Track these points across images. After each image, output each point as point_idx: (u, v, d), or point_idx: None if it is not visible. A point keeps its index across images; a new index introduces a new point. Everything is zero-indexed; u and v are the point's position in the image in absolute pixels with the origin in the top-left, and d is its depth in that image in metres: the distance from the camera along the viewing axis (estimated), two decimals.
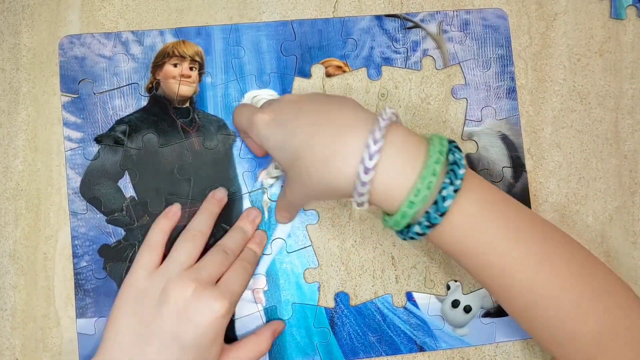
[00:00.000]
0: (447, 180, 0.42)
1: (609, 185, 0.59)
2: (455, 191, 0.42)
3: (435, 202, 0.43)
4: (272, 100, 0.52)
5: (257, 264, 0.56)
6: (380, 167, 0.42)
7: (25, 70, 0.58)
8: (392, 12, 0.60)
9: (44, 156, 0.57)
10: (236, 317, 0.56)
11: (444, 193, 0.42)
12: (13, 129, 0.58)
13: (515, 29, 0.61)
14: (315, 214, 0.58)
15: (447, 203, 0.42)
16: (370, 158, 0.42)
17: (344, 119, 0.44)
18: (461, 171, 0.43)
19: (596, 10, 0.61)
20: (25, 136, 0.58)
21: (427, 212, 0.43)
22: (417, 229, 0.44)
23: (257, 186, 0.58)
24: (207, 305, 0.47)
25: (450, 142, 0.45)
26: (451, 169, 0.43)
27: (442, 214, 0.43)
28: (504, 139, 0.59)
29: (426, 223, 0.43)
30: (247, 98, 0.59)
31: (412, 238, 0.45)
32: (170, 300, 0.47)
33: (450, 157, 0.43)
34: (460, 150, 0.45)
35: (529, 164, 0.59)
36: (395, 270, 0.57)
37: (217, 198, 0.56)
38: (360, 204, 0.44)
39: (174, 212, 0.55)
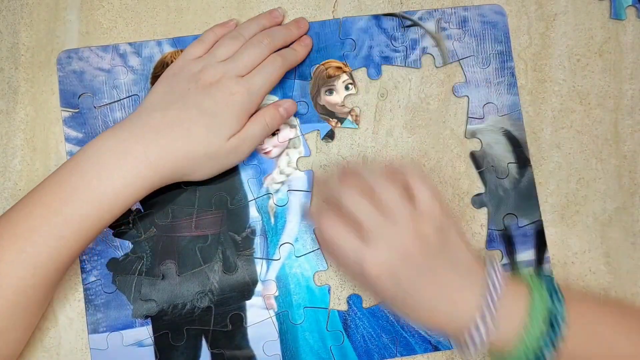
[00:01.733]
0: (548, 338, 0.46)
1: (609, 186, 0.59)
2: (556, 346, 0.46)
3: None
4: (367, 208, 0.48)
5: (294, 63, 0.58)
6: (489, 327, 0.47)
7: (24, 69, 0.58)
8: (392, 11, 0.60)
9: (43, 156, 0.57)
10: (248, 324, 0.56)
11: (546, 353, 0.46)
12: (11, 128, 0.57)
13: (515, 29, 0.61)
14: None
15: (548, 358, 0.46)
16: (485, 333, 0.46)
17: (457, 285, 0.48)
18: (561, 326, 0.46)
19: (596, 11, 0.61)
20: (24, 136, 0.57)
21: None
22: None
23: (263, 192, 0.58)
24: (227, 87, 0.53)
25: (548, 281, 0.49)
26: (551, 323, 0.46)
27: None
28: (508, 134, 0.59)
29: None
30: None
31: None
32: (199, 80, 0.54)
33: (550, 306, 0.47)
34: (558, 294, 0.48)
35: None
36: None
37: (273, 15, 0.59)
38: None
39: (230, 24, 0.59)
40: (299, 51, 0.58)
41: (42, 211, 0.49)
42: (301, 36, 0.59)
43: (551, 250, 0.58)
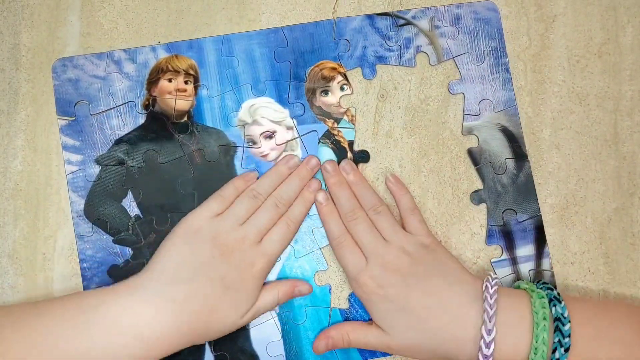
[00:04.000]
0: (556, 340, 0.48)
1: (608, 187, 0.59)
2: (567, 350, 0.48)
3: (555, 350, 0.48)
4: (367, 235, 0.55)
5: (305, 213, 0.58)
6: (494, 348, 0.48)
7: (25, 70, 0.58)
8: (392, 11, 0.60)
9: (43, 156, 0.57)
10: (251, 326, 0.57)
11: (557, 355, 0.48)
12: (12, 129, 0.57)
13: (514, 30, 0.61)
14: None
15: None
16: (488, 347, 0.48)
17: (455, 302, 0.51)
18: (566, 327, 0.48)
19: (595, 12, 0.61)
20: (25, 136, 0.57)
21: None
22: None
23: None
24: (249, 259, 0.53)
25: (548, 288, 0.51)
26: (557, 325, 0.48)
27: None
28: (504, 130, 0.59)
29: None
30: (244, 107, 0.59)
31: None
32: (221, 245, 0.53)
33: (553, 311, 0.49)
34: (558, 298, 0.50)
35: None
36: None
37: (290, 165, 0.58)
38: None
39: (251, 176, 0.58)
40: (309, 200, 0.58)
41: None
42: (314, 174, 0.59)
43: (551, 251, 0.59)
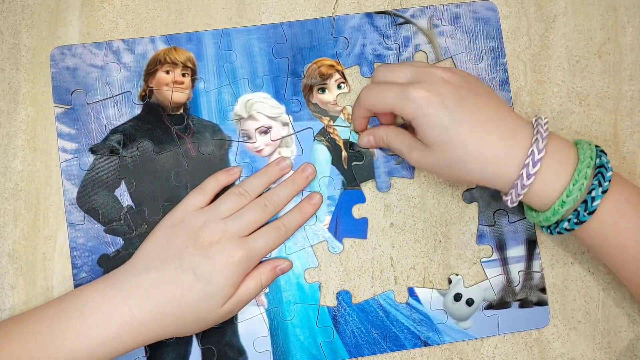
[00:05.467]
0: (596, 182, 0.48)
1: None
2: (604, 192, 0.48)
3: (585, 202, 0.48)
4: (405, 67, 0.54)
5: (300, 225, 0.57)
6: (539, 172, 0.48)
7: (25, 70, 0.58)
8: (391, 9, 0.60)
9: (43, 156, 0.58)
10: (239, 320, 0.56)
11: (593, 194, 0.48)
12: (12, 129, 0.58)
13: (514, 30, 0.61)
14: (313, 216, 0.58)
15: (595, 203, 0.48)
16: (534, 166, 0.48)
17: (508, 124, 0.50)
18: (608, 174, 0.48)
19: (595, 12, 0.61)
20: (25, 136, 0.58)
21: (576, 211, 0.49)
22: (566, 225, 0.50)
23: None
24: (227, 250, 0.52)
25: (596, 146, 0.51)
26: (599, 171, 0.48)
27: (590, 213, 0.48)
28: None
29: (575, 220, 0.49)
30: (240, 102, 0.59)
31: (559, 233, 0.51)
32: (199, 238, 0.52)
33: (598, 161, 0.49)
34: (605, 154, 0.50)
35: None
36: (394, 271, 0.57)
37: (281, 167, 0.58)
38: (513, 202, 0.50)
39: (235, 171, 0.57)
40: (307, 213, 0.57)
41: (17, 347, 0.48)
42: (309, 183, 0.58)
43: (550, 251, 0.58)
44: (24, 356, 0.48)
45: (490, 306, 0.58)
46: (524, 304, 0.58)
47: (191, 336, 0.56)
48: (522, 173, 0.48)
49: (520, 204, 0.52)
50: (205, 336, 0.56)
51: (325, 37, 0.60)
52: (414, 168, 0.59)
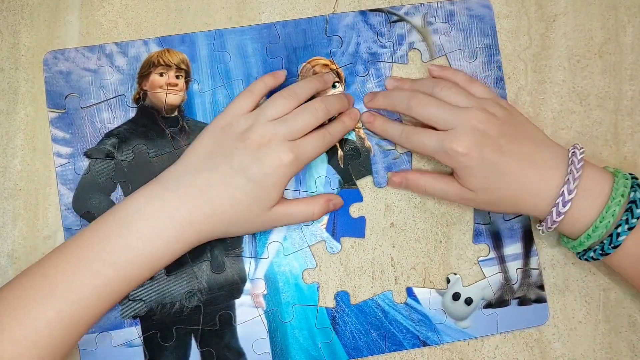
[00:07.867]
0: (624, 218, 0.49)
1: None
2: (630, 228, 0.49)
3: (611, 236, 0.50)
4: (442, 113, 0.54)
5: (341, 136, 0.58)
6: (569, 209, 0.51)
7: (24, 69, 0.58)
8: (385, 7, 0.60)
9: (43, 156, 0.57)
10: (237, 323, 0.56)
11: (620, 230, 0.49)
12: (12, 128, 0.58)
13: (515, 30, 0.60)
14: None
15: (621, 239, 0.50)
16: (564, 205, 0.50)
17: (544, 156, 0.52)
18: (638, 211, 0.49)
19: (596, 12, 0.61)
20: (24, 136, 0.58)
21: (602, 243, 0.50)
22: (592, 254, 0.52)
23: None
24: (276, 152, 0.51)
25: (634, 178, 0.52)
26: (629, 207, 0.49)
27: (615, 247, 0.50)
28: None
29: (600, 252, 0.51)
30: None
31: (587, 260, 0.53)
32: (247, 140, 0.52)
33: (632, 195, 0.50)
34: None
35: None
36: (395, 271, 0.57)
37: (326, 79, 0.58)
38: (544, 232, 0.53)
39: (280, 74, 0.58)
40: (348, 125, 0.57)
41: (73, 267, 0.49)
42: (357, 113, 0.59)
43: (551, 252, 0.58)
44: (88, 261, 0.49)
45: (489, 305, 0.57)
46: (523, 301, 0.58)
47: (190, 339, 0.56)
48: (553, 211, 0.51)
49: None
50: (204, 339, 0.56)
51: (319, 36, 0.59)
52: (412, 165, 0.59)
